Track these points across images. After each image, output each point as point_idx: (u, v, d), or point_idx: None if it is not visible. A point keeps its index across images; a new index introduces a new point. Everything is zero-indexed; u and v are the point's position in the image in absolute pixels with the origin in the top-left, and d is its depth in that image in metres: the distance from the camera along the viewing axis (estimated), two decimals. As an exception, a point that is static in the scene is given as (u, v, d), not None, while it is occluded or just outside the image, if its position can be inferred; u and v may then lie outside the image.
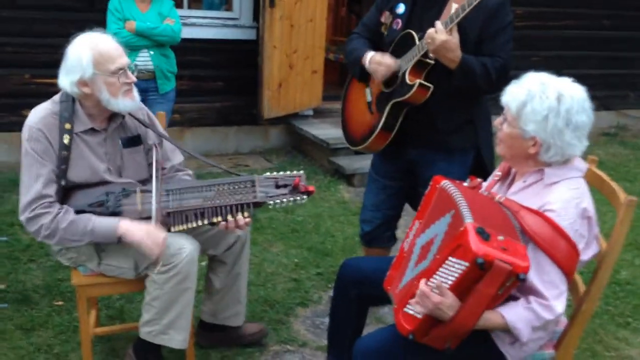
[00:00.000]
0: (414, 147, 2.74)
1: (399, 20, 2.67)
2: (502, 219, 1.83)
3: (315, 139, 5.72)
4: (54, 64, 5.33)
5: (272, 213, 4.45)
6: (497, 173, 2.16)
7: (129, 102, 2.38)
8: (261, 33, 5.48)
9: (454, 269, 1.72)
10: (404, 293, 1.93)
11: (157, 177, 2.44)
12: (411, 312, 1.84)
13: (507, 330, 1.84)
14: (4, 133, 5.28)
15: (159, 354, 2.59)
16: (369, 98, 2.80)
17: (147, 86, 4.29)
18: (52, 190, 2.34)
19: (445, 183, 1.97)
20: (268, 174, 2.44)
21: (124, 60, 2.35)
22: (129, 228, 2.33)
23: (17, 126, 5.24)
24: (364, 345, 2.01)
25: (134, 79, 2.39)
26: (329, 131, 5.79)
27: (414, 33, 2.56)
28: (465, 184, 2.09)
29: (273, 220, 4.37)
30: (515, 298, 1.86)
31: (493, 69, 2.46)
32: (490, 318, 1.80)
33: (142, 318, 2.50)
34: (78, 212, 2.37)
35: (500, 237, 1.69)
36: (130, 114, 2.50)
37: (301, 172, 2.45)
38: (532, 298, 1.83)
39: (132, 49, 4.17)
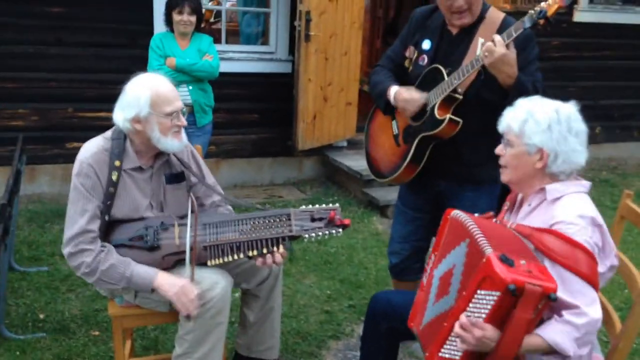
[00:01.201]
0: (443, 179, 2.75)
1: (425, 56, 2.70)
2: (518, 244, 1.84)
3: (349, 170, 5.75)
4: (96, 98, 5.54)
5: (305, 244, 4.47)
6: (505, 204, 2.18)
7: (176, 142, 2.47)
8: (296, 66, 5.57)
9: (485, 301, 1.73)
10: (431, 333, 1.92)
11: (192, 210, 2.46)
12: (447, 355, 1.83)
13: (551, 351, 1.81)
14: (47, 165, 5.45)
15: (192, 387, 2.60)
16: (395, 131, 2.83)
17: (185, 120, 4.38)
18: (95, 225, 2.41)
19: (457, 212, 2.00)
20: (304, 207, 2.47)
21: (178, 104, 2.46)
22: (164, 283, 2.39)
23: (60, 158, 5.49)
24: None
25: (184, 122, 2.49)
26: (362, 162, 5.74)
27: (442, 68, 2.59)
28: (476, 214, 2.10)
29: (306, 252, 4.39)
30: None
31: (540, 90, 2.47)
32: (530, 342, 1.79)
33: (174, 351, 2.53)
34: (119, 245, 2.44)
35: (523, 262, 1.72)
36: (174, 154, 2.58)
37: (337, 205, 2.48)
38: (564, 312, 1.81)
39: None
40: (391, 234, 3.08)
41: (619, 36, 7.17)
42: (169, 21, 4.47)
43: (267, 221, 2.44)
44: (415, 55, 2.74)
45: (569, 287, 1.81)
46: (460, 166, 2.67)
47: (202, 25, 4.74)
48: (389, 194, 5.44)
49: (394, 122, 2.84)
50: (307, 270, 4.13)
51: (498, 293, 1.69)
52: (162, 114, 2.40)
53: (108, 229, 2.47)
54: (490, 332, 1.73)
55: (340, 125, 6.08)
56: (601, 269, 1.90)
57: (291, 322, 3.42)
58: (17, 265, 3.95)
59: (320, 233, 2.40)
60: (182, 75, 4.31)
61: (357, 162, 5.84)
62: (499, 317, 1.72)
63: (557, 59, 6.78)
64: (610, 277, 2.01)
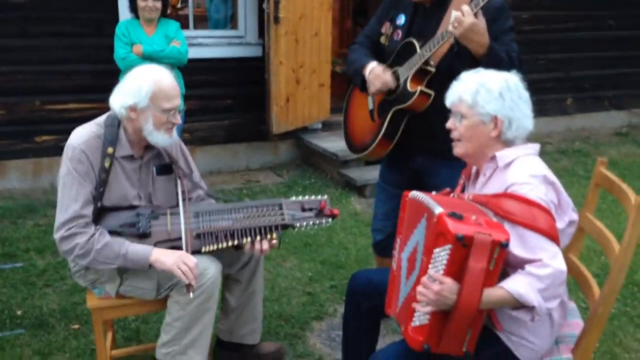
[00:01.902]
0: (419, 154, 2.77)
1: (399, 31, 2.71)
2: (473, 210, 1.88)
3: (324, 152, 5.74)
4: (63, 90, 5.44)
5: (285, 228, 4.44)
6: (461, 177, 2.22)
7: (167, 138, 2.46)
8: (267, 49, 5.52)
9: (440, 257, 1.78)
10: (405, 310, 1.94)
11: (183, 199, 2.51)
12: (417, 323, 1.86)
13: (518, 305, 1.83)
14: (17, 160, 5.34)
15: (175, 374, 2.59)
16: (370, 106, 2.85)
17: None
18: (89, 210, 2.39)
19: (414, 193, 2.02)
20: (294, 198, 2.55)
21: (178, 101, 2.44)
22: (161, 256, 2.37)
23: (30, 153, 5.39)
24: (379, 362, 2.00)
25: (179, 121, 2.47)
26: (338, 144, 5.79)
27: (415, 41, 2.60)
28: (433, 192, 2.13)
29: (286, 235, 4.33)
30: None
31: (515, 59, 2.48)
32: (493, 294, 1.81)
33: (160, 339, 2.51)
34: (109, 232, 2.42)
35: (473, 217, 1.79)
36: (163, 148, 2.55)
37: (325, 196, 2.56)
38: (527, 266, 1.84)
39: (139, 72, 4.22)
40: (374, 211, 3.10)
41: (587, 8, 7.22)
42: (133, 8, 4.39)
43: (259, 210, 2.50)
44: (391, 31, 2.75)
45: (530, 244, 1.84)
46: (433, 141, 2.66)
47: (168, 11, 4.66)
48: (366, 174, 5.44)
49: (369, 98, 2.86)
50: (287, 253, 4.12)
51: (450, 245, 1.74)
52: (160, 109, 2.38)
53: (98, 215, 2.44)
54: (448, 284, 1.77)
55: (314, 108, 6.05)
56: (560, 224, 1.93)
57: (273, 305, 3.41)
58: (-9, 263, 3.88)
59: (311, 222, 2.47)
60: (149, 63, 4.22)
61: (332, 144, 5.82)
62: (455, 270, 1.77)
63: (528, 32, 6.81)
64: (572, 233, 2.05)
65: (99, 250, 2.35)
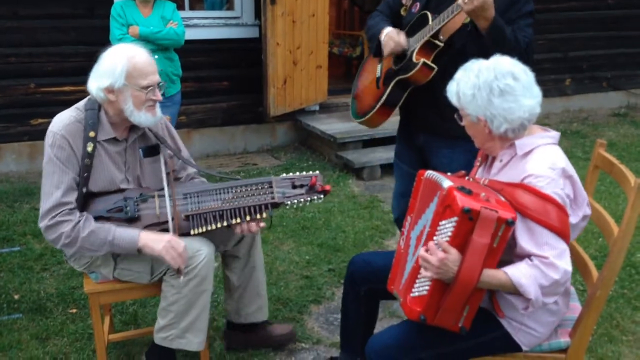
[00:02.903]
0: (423, 132, 2.78)
1: (418, 4, 2.71)
2: (484, 190, 1.88)
3: (322, 134, 5.71)
4: (58, 72, 5.39)
5: (282, 211, 4.44)
6: (477, 159, 2.19)
7: (150, 117, 2.41)
8: (263, 30, 5.46)
9: (446, 229, 1.78)
10: (407, 283, 1.94)
11: (168, 180, 2.47)
12: (417, 293, 1.86)
13: (514, 291, 1.83)
14: (12, 143, 5.31)
15: (174, 357, 2.59)
16: (378, 73, 2.85)
17: (151, 90, 4.28)
18: (72, 197, 2.35)
19: (430, 173, 2.01)
20: (284, 174, 2.49)
21: (155, 77, 2.38)
22: (150, 240, 2.34)
23: (26, 136, 5.35)
24: (377, 343, 2.00)
25: (160, 97, 2.42)
26: (336, 126, 5.77)
27: (429, 14, 2.58)
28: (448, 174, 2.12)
29: (283, 218, 4.37)
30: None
31: (522, 41, 2.46)
32: (494, 275, 1.81)
33: (157, 324, 2.50)
34: (97, 217, 2.38)
35: (482, 194, 1.79)
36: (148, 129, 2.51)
37: (317, 172, 2.50)
38: (534, 258, 1.84)
39: (135, 54, 4.17)
40: (393, 189, 3.14)
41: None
42: (129, -12, 4.33)
43: (248, 189, 2.45)
44: (411, 2, 2.76)
45: (539, 239, 1.82)
46: (439, 120, 2.66)
47: (164, -9, 4.59)
48: (363, 156, 5.42)
49: (379, 65, 2.86)
50: (285, 236, 4.11)
51: (456, 218, 1.74)
52: (137, 86, 2.33)
53: (85, 201, 2.41)
54: (453, 254, 1.77)
55: (311, 89, 6.01)
56: (574, 219, 1.91)
57: (271, 289, 3.40)
58: (-13, 247, 3.86)
59: (302, 199, 2.42)
60: (146, 44, 4.14)
61: (330, 126, 5.79)
62: (459, 243, 1.77)
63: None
64: (584, 226, 2.02)
65: (85, 237, 2.32)
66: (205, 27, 5.69)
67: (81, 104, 2.45)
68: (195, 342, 2.48)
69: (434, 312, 1.83)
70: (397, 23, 2.80)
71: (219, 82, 5.89)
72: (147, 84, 2.35)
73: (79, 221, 2.33)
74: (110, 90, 2.33)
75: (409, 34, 2.69)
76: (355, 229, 4.23)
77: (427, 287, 1.84)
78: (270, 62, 5.49)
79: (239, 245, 2.69)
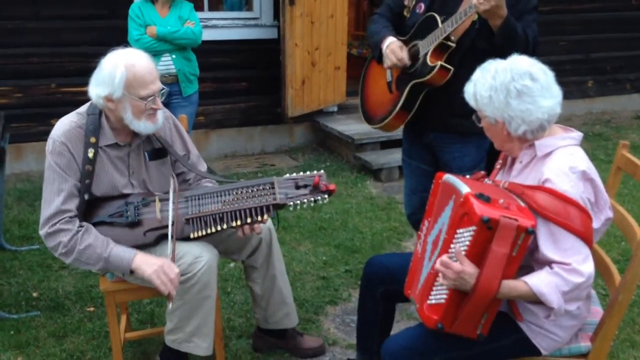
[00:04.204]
0: (433, 130, 2.78)
1: (422, 5, 2.69)
2: (503, 195, 1.83)
3: (340, 135, 5.69)
4: (79, 72, 5.40)
5: (299, 212, 4.42)
6: (498, 162, 2.15)
7: (150, 125, 2.35)
8: (282, 31, 5.46)
9: (464, 237, 1.74)
10: (424, 289, 1.91)
11: (174, 187, 2.43)
12: (434, 301, 1.82)
13: (536, 300, 1.79)
14: (33, 143, 5.36)
15: (185, 359, 2.58)
16: (389, 78, 2.84)
17: (170, 90, 4.25)
18: (72, 205, 2.32)
19: (447, 177, 1.97)
20: (287, 175, 2.43)
21: (156, 86, 2.31)
22: (143, 262, 2.28)
23: (46, 135, 5.25)
24: (393, 346, 1.97)
25: (161, 106, 2.36)
26: (354, 127, 5.75)
27: (436, 16, 2.58)
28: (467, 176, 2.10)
29: (300, 219, 4.35)
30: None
31: (531, 37, 2.48)
32: (514, 286, 1.78)
33: (166, 326, 2.49)
34: (99, 223, 2.36)
35: (501, 201, 1.74)
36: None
37: (322, 171, 2.44)
38: (555, 265, 1.79)
39: (154, 54, 4.18)
40: (404, 187, 3.13)
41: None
42: (148, -11, 4.34)
43: (250, 191, 2.40)
44: (413, 3, 2.74)
45: (561, 244, 1.78)
46: (450, 116, 2.67)
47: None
48: (381, 158, 5.39)
49: (388, 70, 2.84)
50: (302, 237, 4.09)
51: (474, 227, 1.70)
52: (137, 96, 2.27)
53: (89, 207, 2.38)
54: (469, 267, 1.73)
55: (329, 90, 5.99)
56: (596, 224, 1.87)
57: (287, 289, 3.39)
58: (8, 245, 3.89)
59: (305, 200, 2.35)
60: (164, 45, 4.21)
61: (348, 127, 5.77)
62: (477, 252, 1.72)
63: (547, 13, 6.66)
64: (605, 230, 1.97)
65: (81, 250, 2.28)
66: (224, 27, 5.70)
67: (83, 108, 2.41)
68: (202, 346, 2.45)
69: (452, 320, 1.79)
70: (399, 24, 2.79)
71: (238, 82, 5.90)
72: (146, 94, 2.28)
73: (78, 232, 2.29)
74: (109, 99, 2.28)
75: (416, 35, 2.67)
76: (372, 230, 4.20)
77: (444, 296, 1.81)
78: (289, 63, 5.48)
79: (255, 255, 2.66)
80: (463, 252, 1.74)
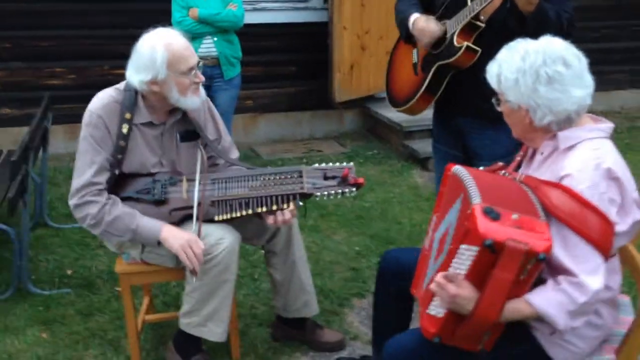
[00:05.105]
0: (462, 115, 2.65)
1: None
2: (520, 198, 1.65)
3: (389, 122, 5.55)
4: (130, 55, 5.41)
5: (340, 199, 4.31)
6: (519, 153, 1.98)
7: (196, 99, 2.41)
8: (330, 14, 5.34)
9: (465, 256, 1.58)
10: (426, 293, 1.78)
11: (201, 169, 2.44)
12: (433, 312, 1.70)
13: (540, 319, 1.65)
14: (84, 123, 5.47)
15: (199, 346, 2.56)
16: (415, 59, 2.74)
17: (211, 73, 4.27)
18: (103, 178, 2.36)
19: (457, 168, 1.81)
20: (317, 165, 2.43)
21: (194, 59, 2.36)
22: (170, 236, 2.32)
23: None
24: (394, 346, 1.88)
25: (202, 78, 2.41)
26: (403, 114, 5.57)
27: None
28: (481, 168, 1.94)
29: (340, 207, 4.26)
30: (543, 281, 1.67)
31: (565, 19, 2.35)
32: (517, 308, 1.63)
33: (182, 309, 2.49)
34: (125, 198, 2.39)
35: (514, 216, 1.54)
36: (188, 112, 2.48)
37: (351, 163, 2.43)
38: (561, 278, 1.63)
39: (196, 36, 4.17)
40: (435, 175, 3.04)
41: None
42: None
43: (278, 178, 2.40)
44: None
45: (572, 251, 1.61)
46: (480, 101, 2.52)
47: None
48: (429, 146, 5.20)
49: (414, 50, 2.74)
50: (338, 225, 4.00)
51: (477, 248, 1.54)
52: (180, 72, 2.31)
53: (117, 182, 2.41)
54: (466, 291, 1.59)
55: (380, 76, 5.75)
56: (622, 227, 1.68)
57: (315, 279, 3.26)
58: (52, 222, 3.99)
59: (332, 192, 2.35)
60: (205, 27, 4.18)
61: (397, 114, 5.51)
62: (478, 275, 1.57)
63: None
64: (637, 232, 1.78)
65: (110, 222, 2.32)
66: (273, 10, 5.64)
67: (122, 84, 2.44)
68: (216, 332, 2.44)
69: (450, 335, 1.67)
70: (430, 3, 2.66)
71: (286, 66, 5.83)
72: (187, 67, 2.33)
73: (106, 204, 2.33)
74: (154, 82, 2.31)
75: (445, 14, 2.54)
76: (412, 221, 4.06)
77: (443, 310, 1.68)
78: (336, 46, 5.37)
79: (274, 240, 2.62)
80: (464, 272, 1.59)
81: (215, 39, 4.24)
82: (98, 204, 2.33)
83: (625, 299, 1.99)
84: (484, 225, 1.51)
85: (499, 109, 1.89)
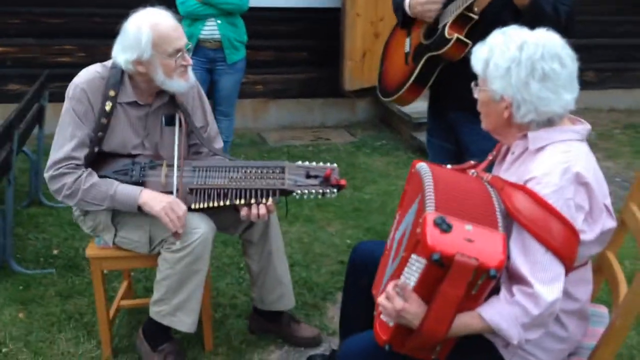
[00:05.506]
0: (454, 109, 2.55)
1: None
2: (481, 203, 1.54)
3: (398, 112, 5.42)
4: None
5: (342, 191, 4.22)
6: (492, 153, 1.86)
7: (183, 83, 2.35)
8: (343, 0, 5.22)
9: (415, 267, 1.47)
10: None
11: (179, 151, 2.39)
12: (385, 319, 1.59)
13: (493, 332, 1.53)
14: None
15: (169, 335, 2.51)
16: (407, 48, 2.63)
17: (214, 56, 4.19)
18: (81, 153, 2.32)
19: (420, 166, 1.70)
20: (300, 162, 2.39)
21: (182, 42, 2.30)
22: (150, 198, 2.27)
23: None
24: (351, 346, 1.78)
25: (190, 61, 2.35)
26: (415, 104, 5.40)
27: None
28: (448, 166, 1.81)
29: (338, 198, 4.08)
30: (499, 288, 1.56)
31: (563, 13, 2.23)
32: (468, 323, 1.52)
33: (153, 296, 2.43)
34: (102, 177, 2.34)
35: (468, 227, 1.43)
36: (176, 96, 2.43)
37: (334, 164, 2.38)
38: (515, 289, 1.51)
39: (198, 18, 4.09)
40: None
41: None
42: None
43: (259, 171, 2.36)
44: None
45: (531, 257, 1.50)
46: (472, 93, 2.40)
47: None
48: (439, 139, 5.08)
49: (407, 39, 2.64)
50: (334, 217, 3.91)
51: (424, 261, 1.42)
52: (165, 53, 2.26)
53: (95, 161, 2.37)
54: (414, 305, 1.48)
55: (393, 64, 5.69)
56: (589, 235, 1.56)
57: (301, 271, 3.23)
58: (46, 200, 3.97)
59: (313, 191, 2.30)
60: (208, 8, 4.08)
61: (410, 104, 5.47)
62: (427, 289, 1.45)
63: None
64: (606, 240, 1.66)
65: (86, 190, 2.27)
66: (287, -6, 5.54)
67: (110, 62, 2.39)
68: (186, 322, 2.38)
69: (400, 345, 1.57)
70: None
71: (298, 52, 5.73)
72: (174, 49, 2.27)
73: (82, 174, 2.29)
74: (138, 62, 2.26)
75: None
76: (410, 216, 3.94)
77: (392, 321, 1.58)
78: (348, 33, 5.25)
79: (251, 229, 2.55)
80: (413, 284, 1.48)
81: (219, 21, 4.14)
82: (74, 174, 2.29)
83: (602, 310, 1.87)
84: (433, 237, 1.41)
85: (475, 95, 1.76)
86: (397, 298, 1.49)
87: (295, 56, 5.74)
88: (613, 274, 1.84)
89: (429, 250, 1.39)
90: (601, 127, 5.82)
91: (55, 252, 3.41)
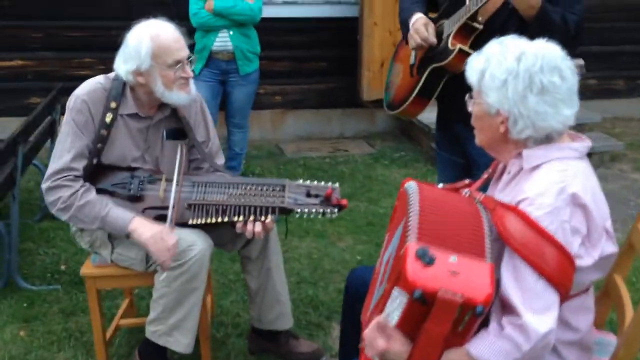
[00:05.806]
0: (460, 122, 2.43)
1: None
2: (469, 229, 1.43)
3: (418, 123, 5.30)
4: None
5: (354, 203, 4.14)
6: (487, 171, 1.76)
7: (183, 95, 2.32)
8: (360, 9, 5.14)
9: (397, 302, 1.37)
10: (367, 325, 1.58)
11: (180, 167, 2.36)
12: (369, 354, 1.49)
13: None
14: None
15: (165, 356, 2.44)
16: (412, 60, 2.56)
17: (227, 68, 4.16)
18: (80, 165, 2.30)
19: (409, 185, 1.60)
20: (301, 181, 2.36)
21: (183, 53, 2.28)
22: (140, 226, 2.23)
23: None
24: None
25: (190, 73, 2.32)
26: (434, 115, 5.32)
27: None
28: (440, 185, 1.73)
29: (352, 211, 4.06)
30: (488, 319, 1.45)
31: (572, 22, 2.16)
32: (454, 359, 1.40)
33: (149, 315, 2.38)
34: (101, 190, 2.32)
35: (452, 259, 1.32)
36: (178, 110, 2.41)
37: (336, 184, 2.34)
38: (505, 320, 1.40)
39: (211, 30, 4.07)
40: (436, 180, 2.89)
41: None
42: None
43: (259, 189, 2.32)
44: None
45: (522, 284, 1.39)
46: None
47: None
48: (459, 150, 4.95)
49: (413, 52, 2.57)
50: (346, 231, 3.82)
51: (407, 296, 1.33)
52: (165, 65, 2.23)
53: (94, 173, 2.34)
54: (397, 344, 1.39)
55: (413, 74, 5.59)
56: (587, 261, 1.45)
57: (308, 289, 3.14)
58: (59, 215, 3.97)
59: (313, 210, 2.26)
60: (221, 20, 4.05)
61: (428, 115, 5.30)
62: (410, 326, 1.36)
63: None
64: (608, 266, 1.54)
65: (80, 206, 2.24)
66: (304, 4, 5.48)
67: (113, 73, 2.37)
68: (182, 342, 2.31)
69: None
70: (433, 2, 2.50)
71: (316, 62, 5.67)
72: (173, 61, 2.24)
73: (79, 189, 2.26)
74: (138, 73, 2.24)
75: (445, 13, 2.36)
76: (426, 231, 3.82)
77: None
78: (366, 43, 5.17)
79: (250, 245, 2.49)
80: (395, 320, 1.39)
81: (232, 32, 4.10)
82: (72, 188, 2.26)
83: (610, 338, 1.74)
84: (414, 272, 1.31)
85: (470, 108, 1.66)
86: (379, 338, 1.40)
87: (313, 66, 5.68)
88: (619, 299, 1.71)
89: (411, 286, 1.30)
90: (631, 137, 5.59)
91: (62, 267, 3.39)
